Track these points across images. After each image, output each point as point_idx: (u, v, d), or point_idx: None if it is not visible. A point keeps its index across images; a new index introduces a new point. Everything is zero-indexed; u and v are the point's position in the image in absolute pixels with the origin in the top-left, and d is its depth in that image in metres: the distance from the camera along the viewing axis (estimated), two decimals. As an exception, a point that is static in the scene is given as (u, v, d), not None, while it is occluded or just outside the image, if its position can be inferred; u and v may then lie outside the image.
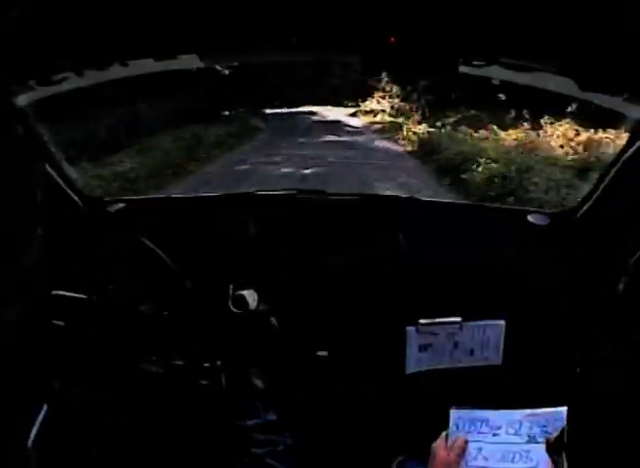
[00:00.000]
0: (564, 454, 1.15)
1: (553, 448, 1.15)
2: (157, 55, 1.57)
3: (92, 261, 1.94)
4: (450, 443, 1.21)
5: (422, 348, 2.16)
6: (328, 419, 2.19)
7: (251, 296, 1.98)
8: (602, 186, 1.99)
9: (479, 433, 1.21)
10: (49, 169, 2.06)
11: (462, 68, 1.54)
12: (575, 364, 1.99)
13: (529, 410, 1.20)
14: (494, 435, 1.20)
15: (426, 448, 1.31)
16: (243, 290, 2.01)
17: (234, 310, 1.99)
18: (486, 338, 2.15)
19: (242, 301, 1.97)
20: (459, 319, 2.14)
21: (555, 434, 1.14)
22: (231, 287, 2.05)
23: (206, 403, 1.88)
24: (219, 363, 1.97)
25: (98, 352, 1.85)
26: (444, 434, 1.25)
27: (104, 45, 1.42)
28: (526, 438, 1.18)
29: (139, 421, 1.87)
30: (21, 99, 1.77)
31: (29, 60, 1.41)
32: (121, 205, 2.35)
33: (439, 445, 1.24)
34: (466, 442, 1.20)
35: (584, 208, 2.09)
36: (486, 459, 1.19)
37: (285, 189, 2.51)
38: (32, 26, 1.22)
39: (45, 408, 1.66)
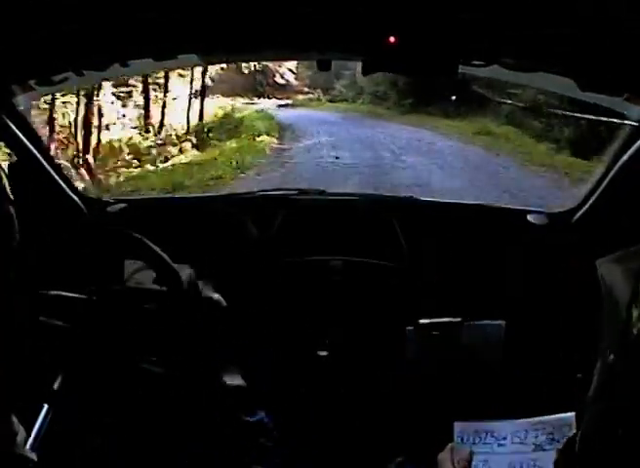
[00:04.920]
0: None
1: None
2: (157, 55, 1.57)
3: (91, 261, 1.94)
4: (455, 456, 1.19)
5: (423, 348, 2.16)
6: (327, 419, 2.19)
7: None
8: (601, 186, 1.99)
9: (484, 444, 1.18)
10: (49, 169, 2.06)
11: (462, 68, 1.54)
12: (575, 364, 1.98)
13: (534, 419, 1.17)
14: (499, 445, 1.17)
15: (425, 449, 1.30)
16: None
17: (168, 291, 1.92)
18: (486, 338, 2.15)
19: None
20: (459, 319, 2.14)
21: (563, 441, 1.10)
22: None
23: (204, 401, 1.88)
24: (219, 362, 1.97)
25: (98, 352, 1.85)
26: (449, 446, 1.22)
27: (104, 45, 1.42)
28: (532, 446, 1.15)
29: (136, 420, 1.87)
30: (21, 99, 1.77)
31: (29, 60, 1.41)
32: (121, 205, 2.34)
33: (445, 458, 1.21)
34: (472, 453, 1.17)
35: (584, 208, 2.10)
36: None
37: (285, 189, 2.51)
38: (32, 27, 1.22)
39: (45, 407, 1.67)
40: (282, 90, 23.95)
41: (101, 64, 1.56)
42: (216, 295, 1.90)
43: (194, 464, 1.81)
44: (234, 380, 1.84)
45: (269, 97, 23.87)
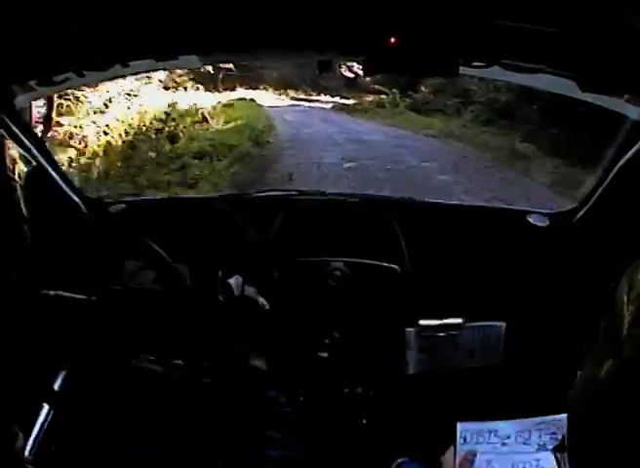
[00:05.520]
0: (566, 455, 1.12)
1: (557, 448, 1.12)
2: (157, 55, 1.57)
3: (92, 261, 1.95)
4: (458, 457, 1.19)
5: (423, 349, 2.16)
6: (328, 420, 2.19)
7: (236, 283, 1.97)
8: (602, 187, 1.99)
9: (488, 443, 1.18)
10: (49, 170, 2.06)
11: (463, 69, 1.54)
12: (574, 365, 1.98)
13: (538, 419, 1.17)
14: (503, 445, 1.17)
15: (427, 449, 1.30)
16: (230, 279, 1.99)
17: (223, 300, 1.96)
18: (486, 339, 2.15)
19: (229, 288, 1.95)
20: (459, 320, 2.14)
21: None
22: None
23: (206, 400, 1.88)
24: (219, 362, 1.97)
25: (98, 352, 1.85)
26: (452, 448, 1.22)
27: (105, 45, 1.42)
28: (536, 446, 1.15)
29: (138, 421, 1.87)
30: (21, 99, 1.77)
31: (29, 61, 1.41)
32: (121, 205, 2.35)
33: (447, 459, 1.21)
34: (475, 455, 1.17)
35: (584, 208, 2.09)
36: None
37: (285, 190, 2.51)
38: (33, 27, 1.22)
39: (45, 407, 1.67)
40: (348, 86, 17.81)
41: (102, 64, 1.56)
42: (260, 299, 1.96)
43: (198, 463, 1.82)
44: (258, 363, 1.88)
45: (332, 95, 18.21)
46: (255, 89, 16.88)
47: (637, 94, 1.47)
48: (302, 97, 18.05)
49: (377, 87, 16.86)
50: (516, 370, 2.13)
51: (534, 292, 2.15)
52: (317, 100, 17.84)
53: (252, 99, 15.65)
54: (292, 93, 18.23)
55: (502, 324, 2.13)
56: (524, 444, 1.17)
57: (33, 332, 1.60)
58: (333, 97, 18.29)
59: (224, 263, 2.21)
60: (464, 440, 1.20)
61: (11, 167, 1.85)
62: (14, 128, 1.83)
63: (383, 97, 16.76)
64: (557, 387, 1.98)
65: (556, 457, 1.13)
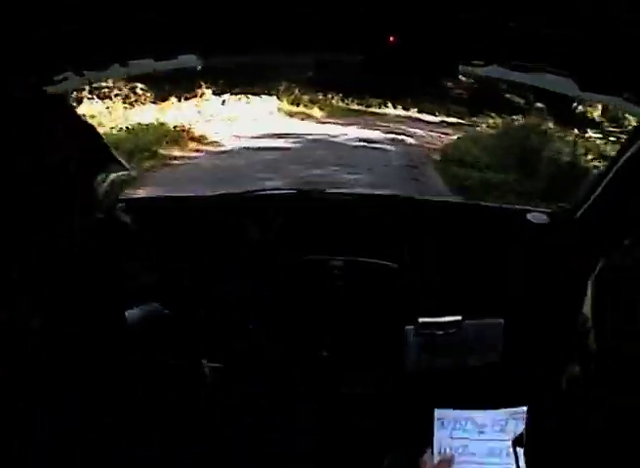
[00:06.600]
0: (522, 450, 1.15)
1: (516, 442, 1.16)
2: (157, 55, 1.57)
3: (91, 261, 1.94)
4: (436, 461, 1.21)
5: (422, 347, 2.16)
6: (328, 418, 2.19)
7: None
8: (601, 186, 1.99)
9: (464, 430, 1.21)
10: None
11: (463, 68, 1.54)
12: (574, 363, 1.99)
13: (515, 409, 1.20)
14: (480, 433, 1.20)
15: (425, 446, 1.31)
16: None
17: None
18: (486, 337, 2.15)
19: None
20: (458, 318, 2.14)
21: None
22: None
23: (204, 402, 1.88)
24: (218, 363, 1.97)
25: (97, 352, 1.85)
26: (429, 451, 1.24)
27: (104, 45, 1.42)
28: (512, 434, 1.18)
29: (138, 421, 1.87)
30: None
31: (29, 60, 1.41)
32: (120, 204, 2.34)
33: (426, 461, 1.23)
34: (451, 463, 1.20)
35: (584, 207, 2.10)
36: (473, 455, 1.19)
37: (285, 189, 2.51)
38: (32, 27, 1.22)
39: (45, 407, 1.66)
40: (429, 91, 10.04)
41: (101, 64, 1.56)
42: None
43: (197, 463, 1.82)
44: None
45: (404, 107, 10.89)
46: (261, 93, 10.16)
47: (637, 93, 1.48)
48: (357, 107, 10.27)
49: (509, 96, 8.85)
50: (516, 368, 2.13)
51: (533, 290, 2.15)
52: (382, 116, 10.33)
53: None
54: (337, 101, 10.55)
55: (502, 321, 2.14)
56: (500, 431, 1.19)
57: (33, 332, 1.59)
58: (407, 109, 10.77)
59: (225, 262, 2.21)
60: (442, 424, 1.23)
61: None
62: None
63: (517, 118, 9.14)
64: (557, 384, 1.99)
65: (514, 450, 1.16)
